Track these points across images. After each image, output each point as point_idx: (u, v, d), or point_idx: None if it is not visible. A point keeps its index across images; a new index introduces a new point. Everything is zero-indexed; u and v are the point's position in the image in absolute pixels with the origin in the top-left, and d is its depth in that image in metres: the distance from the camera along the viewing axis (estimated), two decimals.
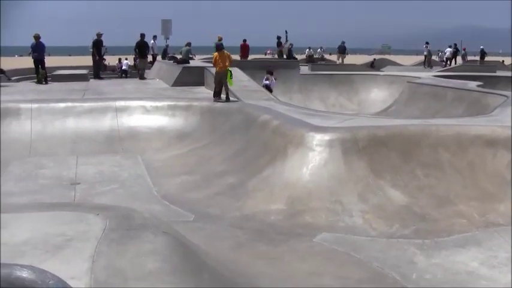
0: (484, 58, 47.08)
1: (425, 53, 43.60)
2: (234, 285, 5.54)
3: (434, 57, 49.92)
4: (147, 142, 14.93)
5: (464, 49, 49.47)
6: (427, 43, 43.24)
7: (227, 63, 16.93)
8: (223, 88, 16.97)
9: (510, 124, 11.79)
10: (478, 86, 24.12)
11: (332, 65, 40.37)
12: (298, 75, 29.50)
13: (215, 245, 7.82)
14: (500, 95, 19.18)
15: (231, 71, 17.11)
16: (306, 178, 10.16)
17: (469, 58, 52.28)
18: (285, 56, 35.53)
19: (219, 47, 17.26)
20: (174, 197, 10.50)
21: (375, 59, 51.85)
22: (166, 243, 4.69)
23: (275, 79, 23.64)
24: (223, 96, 16.97)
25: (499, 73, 36.10)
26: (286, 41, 36.07)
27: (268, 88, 22.04)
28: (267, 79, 23.05)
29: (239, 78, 20.37)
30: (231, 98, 16.93)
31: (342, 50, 43.01)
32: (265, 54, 77.08)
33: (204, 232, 8.50)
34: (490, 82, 27.56)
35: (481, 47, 48.05)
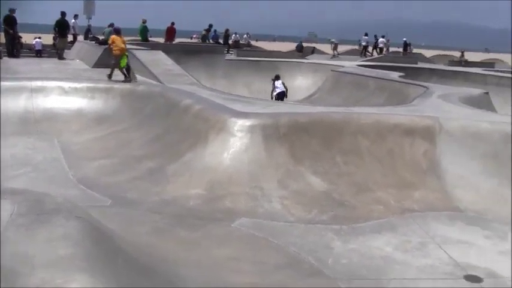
0: (406, 50, 48.18)
1: (363, 43, 45.14)
2: (150, 271, 5.44)
3: (356, 47, 51.06)
4: (64, 124, 14.42)
5: (388, 40, 50.56)
6: (366, 34, 44.85)
7: (124, 46, 17.37)
8: (119, 69, 17.22)
9: (428, 114, 12.16)
10: (400, 76, 24.81)
11: (258, 51, 40.48)
12: (224, 60, 29.40)
13: (132, 230, 7.68)
14: (420, 85, 19.81)
15: (127, 55, 17.43)
16: (227, 163, 10.15)
17: (392, 49, 53.43)
18: (211, 41, 35.46)
19: (117, 31, 17.73)
20: (90, 181, 10.19)
21: (314, 47, 52.05)
22: (79, 228, 4.52)
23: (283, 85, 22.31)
24: (112, 75, 17.25)
25: (420, 64, 37.28)
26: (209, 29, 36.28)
27: (280, 97, 21.65)
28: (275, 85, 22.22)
29: (163, 62, 20.15)
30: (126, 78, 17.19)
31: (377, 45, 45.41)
32: (191, 39, 76.45)
33: (121, 217, 8.32)
34: (412, 73, 28.42)
35: (404, 39, 49.14)
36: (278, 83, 22.18)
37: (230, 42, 39.40)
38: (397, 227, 8.78)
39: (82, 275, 3.71)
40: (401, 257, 7.61)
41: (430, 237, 8.38)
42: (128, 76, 17.12)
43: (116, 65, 17.17)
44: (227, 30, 39.40)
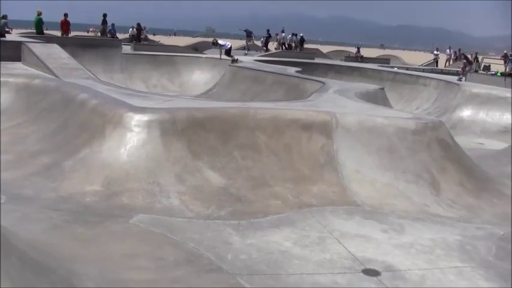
0: (303, 45, 49.05)
1: (282, 40, 47.04)
2: (45, 268, 5.43)
3: (258, 43, 51.79)
4: None
5: (296, 35, 51.27)
6: (282, 31, 47.14)
7: None
8: None
9: (325, 109, 12.50)
10: (297, 71, 25.38)
11: (155, 46, 40.20)
12: (120, 54, 29.02)
13: (28, 227, 7.54)
14: (317, 81, 20.28)
15: None
16: (124, 159, 10.07)
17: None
18: (109, 35, 34.95)
19: None
20: None
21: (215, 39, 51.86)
22: None
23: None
24: None
25: (317, 60, 38.23)
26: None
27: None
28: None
29: (59, 55, 19.72)
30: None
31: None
32: (88, 32, 74.91)
33: (16, 214, 8.13)
34: (309, 68, 29.19)
35: (301, 34, 50.02)
36: (222, 42, 28.86)
37: (127, 36, 39.01)
38: (295, 221, 8.88)
39: None
40: (300, 251, 7.69)
41: (328, 231, 8.51)
42: None
43: None
44: (139, 25, 39.09)
